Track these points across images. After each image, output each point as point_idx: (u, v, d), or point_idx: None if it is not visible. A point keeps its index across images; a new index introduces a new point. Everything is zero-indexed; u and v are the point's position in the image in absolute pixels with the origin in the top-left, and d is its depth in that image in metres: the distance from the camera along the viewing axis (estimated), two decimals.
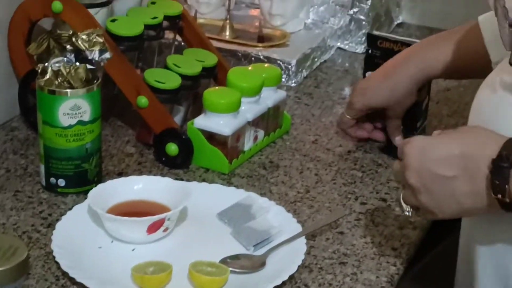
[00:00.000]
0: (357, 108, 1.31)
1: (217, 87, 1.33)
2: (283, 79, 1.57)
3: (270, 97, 1.35)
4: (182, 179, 1.24)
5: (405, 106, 1.29)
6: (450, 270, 1.30)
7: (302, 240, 1.09)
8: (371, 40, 1.38)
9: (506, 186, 0.86)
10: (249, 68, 1.37)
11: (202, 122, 1.27)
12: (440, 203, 0.94)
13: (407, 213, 1.00)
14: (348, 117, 1.32)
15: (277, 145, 1.37)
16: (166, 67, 1.33)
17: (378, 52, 1.36)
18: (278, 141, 1.38)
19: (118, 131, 1.38)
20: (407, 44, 1.33)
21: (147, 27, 1.33)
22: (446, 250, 1.38)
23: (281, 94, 1.38)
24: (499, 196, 0.87)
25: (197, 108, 1.35)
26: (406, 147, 0.97)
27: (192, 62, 1.36)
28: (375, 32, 1.42)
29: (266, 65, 1.43)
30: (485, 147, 0.90)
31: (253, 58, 1.58)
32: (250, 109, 1.31)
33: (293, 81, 1.58)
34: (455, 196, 0.92)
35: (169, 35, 1.46)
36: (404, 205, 1.00)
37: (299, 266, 1.05)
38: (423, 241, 1.19)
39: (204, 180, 1.24)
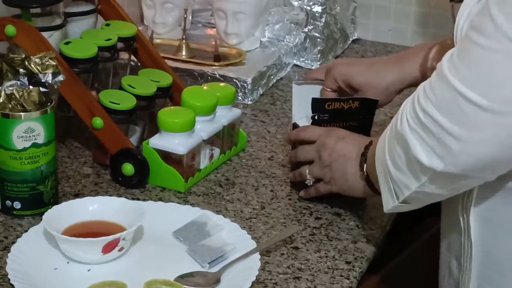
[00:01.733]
0: (335, 75, 1.30)
1: (171, 107, 1.34)
2: (239, 97, 1.59)
3: (225, 115, 1.37)
4: (138, 199, 1.25)
5: (381, 100, 1.30)
6: (406, 283, 1.32)
7: (257, 256, 1.11)
8: (317, 105, 1.27)
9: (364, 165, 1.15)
10: (204, 87, 1.39)
11: (157, 141, 1.29)
12: (336, 177, 1.20)
13: (309, 183, 1.25)
14: (329, 90, 1.32)
15: (233, 162, 1.39)
16: (121, 88, 1.35)
17: (326, 115, 1.27)
18: (234, 158, 1.40)
19: (75, 152, 1.39)
20: (360, 99, 1.28)
21: (101, 48, 1.34)
22: (401, 264, 1.40)
23: (236, 112, 1.40)
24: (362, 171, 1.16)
25: (153, 128, 1.36)
26: (309, 131, 1.25)
27: (147, 82, 1.37)
28: (308, 88, 1.33)
29: (221, 84, 1.44)
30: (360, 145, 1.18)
31: (209, 77, 1.60)
32: (205, 127, 1.32)
33: (249, 99, 1.60)
34: (346, 174, 1.19)
35: (124, 56, 1.47)
36: (308, 176, 1.24)
37: (253, 282, 1.06)
38: (377, 255, 1.21)
39: (160, 199, 1.25)
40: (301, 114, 1.29)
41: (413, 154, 0.96)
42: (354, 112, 1.28)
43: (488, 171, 0.95)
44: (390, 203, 1.06)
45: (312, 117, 1.27)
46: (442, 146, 0.93)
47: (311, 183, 1.25)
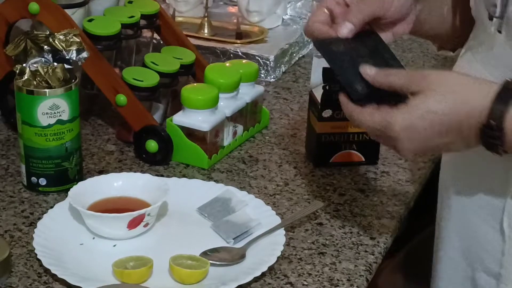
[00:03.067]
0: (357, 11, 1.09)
1: (195, 84, 1.34)
2: (262, 75, 1.59)
3: (248, 92, 1.37)
4: (162, 175, 1.25)
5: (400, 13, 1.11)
6: (429, 260, 1.32)
7: (281, 231, 1.11)
8: (329, 74, 1.24)
9: (499, 147, 0.93)
10: (227, 64, 1.39)
11: (181, 118, 1.29)
12: (420, 150, 0.99)
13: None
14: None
15: (256, 139, 1.39)
16: (144, 65, 1.35)
17: (338, 86, 1.19)
18: (257, 135, 1.40)
19: (99, 129, 1.39)
20: None
21: (124, 26, 1.35)
22: (425, 240, 1.40)
23: (259, 89, 1.40)
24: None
25: (176, 105, 1.36)
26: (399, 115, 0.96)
27: (170, 59, 1.37)
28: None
29: (243, 61, 1.44)
30: (474, 113, 0.93)
31: (231, 55, 1.60)
32: (228, 104, 1.32)
33: (272, 76, 1.60)
34: (444, 150, 1.05)
35: (146, 33, 1.47)
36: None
37: (278, 257, 1.07)
38: (401, 231, 1.21)
39: (184, 176, 1.26)
40: (317, 84, 1.29)
41: None
42: None
43: None
44: None
45: (323, 87, 1.26)
46: None
47: None
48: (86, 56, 1.18)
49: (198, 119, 1.28)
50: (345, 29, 1.06)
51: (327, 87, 1.26)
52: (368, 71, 1.00)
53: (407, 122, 0.95)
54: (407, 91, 0.96)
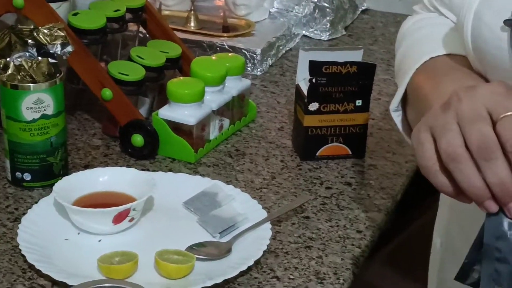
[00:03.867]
0: None
1: (181, 78, 1.33)
2: (249, 68, 1.58)
3: (234, 86, 1.36)
4: (148, 170, 1.25)
5: None
6: (418, 253, 1.32)
7: (268, 225, 1.11)
8: (315, 67, 1.25)
9: None
10: (213, 57, 1.38)
11: (167, 112, 1.28)
12: None
13: None
14: None
15: (243, 133, 1.38)
16: (130, 59, 1.34)
17: (324, 79, 1.25)
18: (244, 129, 1.39)
19: (85, 124, 1.38)
20: (357, 64, 1.26)
21: (110, 19, 1.34)
22: (414, 233, 1.40)
23: (246, 82, 1.39)
24: None
25: (163, 99, 1.35)
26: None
27: (156, 53, 1.36)
28: (315, 53, 1.28)
29: (230, 54, 1.43)
30: None
31: (218, 48, 1.59)
32: (214, 98, 1.31)
33: (259, 69, 1.59)
34: None
35: (132, 27, 1.46)
36: None
37: (264, 251, 1.06)
38: (389, 224, 1.21)
39: (170, 170, 1.25)
40: (304, 77, 1.29)
41: None
42: (352, 76, 1.27)
43: None
44: None
45: (310, 80, 1.26)
46: None
47: None
48: (71, 50, 1.17)
49: (184, 113, 1.27)
50: None
51: (313, 80, 1.26)
52: None
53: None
54: None
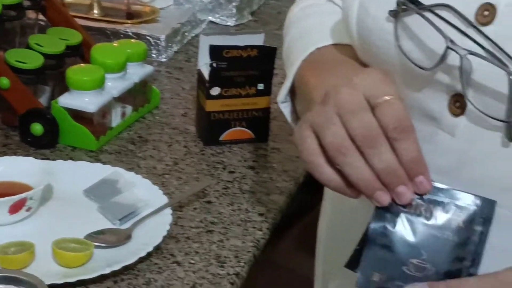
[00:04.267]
0: None
1: (81, 65, 1.32)
2: (154, 55, 1.57)
3: (136, 72, 1.35)
4: (49, 159, 1.23)
5: None
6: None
7: (168, 211, 1.10)
8: (216, 51, 1.25)
9: None
10: (114, 44, 1.37)
11: (67, 100, 1.26)
12: None
13: None
14: None
15: (146, 120, 1.37)
16: (28, 47, 1.31)
17: (225, 63, 1.25)
18: (147, 116, 1.38)
19: None
20: (258, 47, 1.26)
21: (6, 7, 1.31)
22: (317, 216, 1.41)
23: (148, 69, 1.38)
24: None
25: (64, 87, 1.33)
26: None
27: (56, 41, 1.34)
28: (217, 38, 1.28)
29: (132, 40, 1.42)
30: None
31: (122, 35, 1.57)
32: (115, 85, 1.30)
33: (164, 56, 1.58)
34: None
35: (32, 15, 1.44)
36: None
37: (165, 237, 1.06)
38: (293, 207, 1.21)
39: (71, 159, 1.23)
40: (205, 62, 1.28)
41: None
42: (253, 60, 1.27)
43: None
44: None
45: (210, 65, 1.25)
46: None
47: None
48: None
49: (84, 100, 1.25)
50: (409, 195, 0.75)
51: (214, 65, 1.25)
52: None
53: None
54: None
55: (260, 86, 1.29)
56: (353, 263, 0.76)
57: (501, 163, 0.77)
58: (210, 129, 1.29)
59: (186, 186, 1.19)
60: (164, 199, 1.13)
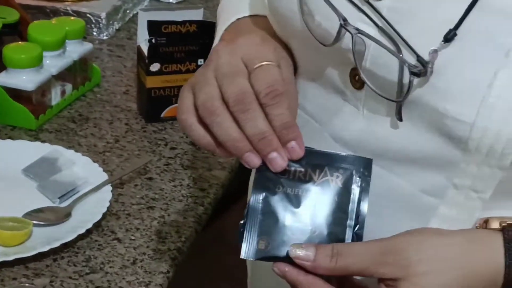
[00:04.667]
0: None
1: (18, 43, 1.30)
2: (94, 33, 1.56)
3: (75, 50, 1.33)
4: None
5: None
6: None
7: (108, 188, 1.09)
8: (154, 27, 1.24)
9: None
10: (52, 21, 1.35)
11: (4, 79, 1.24)
12: None
13: None
14: None
15: (87, 98, 1.36)
16: None
17: (164, 39, 1.24)
18: (88, 94, 1.37)
19: None
20: (196, 22, 1.25)
21: None
22: None
23: (87, 46, 1.37)
24: None
25: (1, 66, 1.31)
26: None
27: None
28: (155, 14, 1.27)
29: (71, 18, 1.40)
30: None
31: (62, 13, 1.55)
32: (54, 63, 1.28)
33: (105, 34, 1.57)
34: None
35: None
36: None
37: (106, 214, 1.05)
38: (237, 182, 1.21)
39: (10, 138, 1.22)
40: (144, 38, 1.27)
41: None
42: (193, 35, 1.26)
43: None
44: None
45: (149, 40, 1.24)
46: None
47: None
48: None
49: (22, 79, 1.24)
50: (282, 161, 0.74)
51: (153, 41, 1.25)
52: (304, 253, 0.71)
53: None
54: (374, 276, 0.71)
55: (201, 62, 1.28)
56: (241, 237, 0.74)
57: (396, 139, 0.77)
58: (151, 106, 1.29)
59: (127, 164, 1.18)
60: (104, 176, 1.12)
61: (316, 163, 0.74)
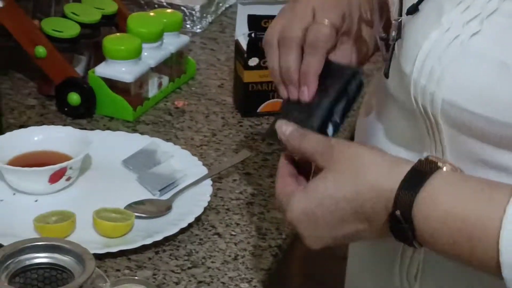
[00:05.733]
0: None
1: (117, 34, 1.30)
2: (188, 25, 1.55)
3: (172, 42, 1.33)
4: (85, 129, 1.21)
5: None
6: None
7: (208, 182, 1.09)
8: (254, 21, 1.22)
9: (413, 241, 0.76)
10: (150, 14, 1.35)
11: (103, 70, 1.25)
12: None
13: None
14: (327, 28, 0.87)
15: (183, 90, 1.36)
16: (64, 16, 1.30)
17: (263, 33, 1.26)
18: (183, 86, 1.36)
19: (18, 84, 1.34)
20: None
21: None
22: None
23: (184, 39, 1.36)
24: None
25: (99, 57, 1.31)
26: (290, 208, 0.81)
27: (91, 10, 1.33)
28: (254, 7, 1.25)
29: (168, 10, 1.40)
30: (380, 201, 0.76)
31: (156, 6, 1.55)
32: (152, 55, 1.29)
33: (198, 27, 1.56)
34: (357, 238, 0.82)
35: None
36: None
37: (205, 208, 1.05)
38: None
39: (108, 129, 1.22)
40: (243, 32, 1.26)
41: None
42: None
43: None
44: None
45: (249, 35, 1.23)
46: None
47: None
48: (1, 5, 1.13)
49: (121, 70, 1.24)
50: (295, 94, 0.88)
51: (252, 35, 1.24)
52: (284, 128, 0.85)
53: (303, 207, 0.79)
54: (315, 163, 0.81)
55: None
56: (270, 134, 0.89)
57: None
58: (248, 100, 1.28)
59: (224, 158, 1.18)
60: (204, 170, 1.11)
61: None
